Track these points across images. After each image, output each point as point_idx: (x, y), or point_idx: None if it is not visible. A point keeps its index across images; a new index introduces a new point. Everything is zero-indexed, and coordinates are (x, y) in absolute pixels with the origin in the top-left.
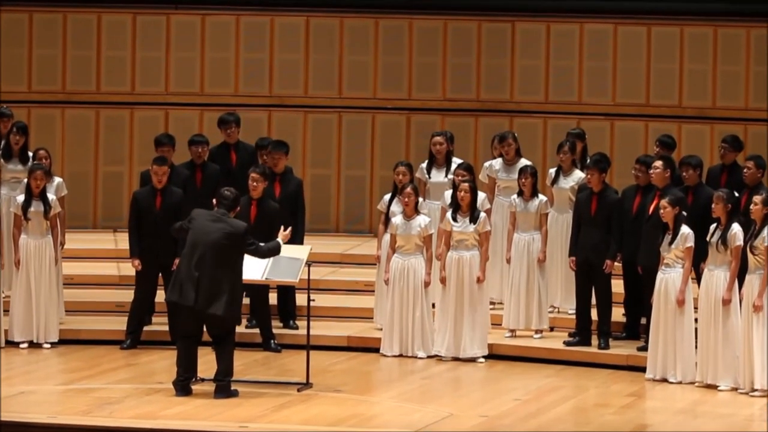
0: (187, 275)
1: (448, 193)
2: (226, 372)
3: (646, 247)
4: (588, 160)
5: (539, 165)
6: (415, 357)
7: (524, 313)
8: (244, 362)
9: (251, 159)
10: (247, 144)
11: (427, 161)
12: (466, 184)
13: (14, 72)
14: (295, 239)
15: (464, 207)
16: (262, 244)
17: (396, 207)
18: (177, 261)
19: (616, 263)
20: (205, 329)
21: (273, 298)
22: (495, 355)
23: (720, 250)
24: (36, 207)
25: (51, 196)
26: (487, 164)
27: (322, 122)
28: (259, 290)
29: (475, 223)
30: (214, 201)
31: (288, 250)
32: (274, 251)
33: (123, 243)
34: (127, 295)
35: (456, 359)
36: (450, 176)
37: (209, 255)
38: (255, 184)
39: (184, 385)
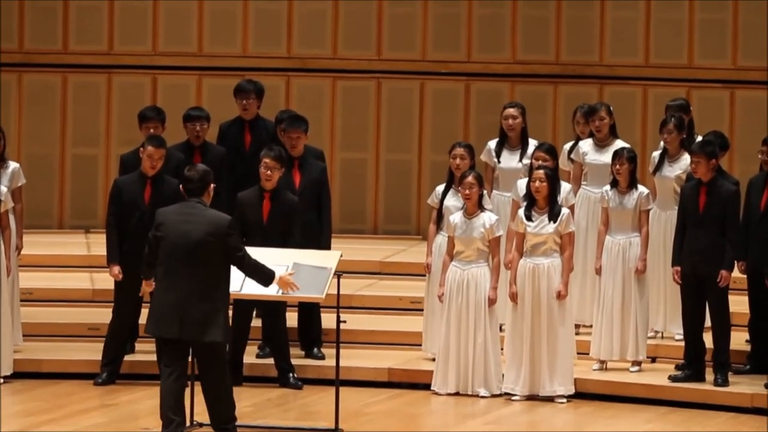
0: (165, 299)
1: (522, 183)
2: (228, 416)
3: None
4: (694, 139)
5: (638, 147)
6: (477, 396)
7: (618, 340)
8: (254, 402)
9: (272, 140)
10: (268, 121)
11: (497, 140)
12: (542, 171)
13: None
14: (321, 242)
15: (540, 201)
16: (251, 256)
17: (452, 201)
18: None
19: (735, 274)
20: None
21: (292, 318)
22: (580, 393)
23: None
24: None
25: (1, 187)
26: (567, 146)
27: (356, 91)
28: (274, 309)
29: (555, 222)
30: (181, 187)
31: (312, 257)
32: (265, 277)
33: (98, 247)
34: (103, 315)
35: (531, 398)
36: (525, 161)
37: (193, 264)
38: (269, 171)
39: None
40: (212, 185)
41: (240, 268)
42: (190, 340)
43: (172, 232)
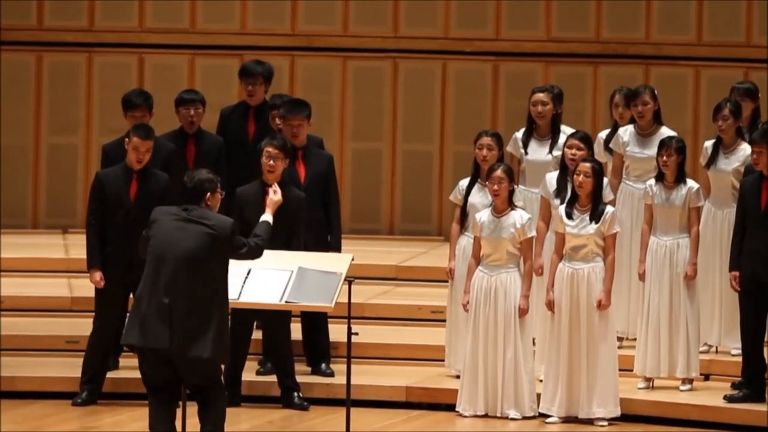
0: (152, 305)
1: (552, 177)
2: None
3: None
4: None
5: (689, 136)
6: (507, 418)
7: (665, 354)
8: (254, 424)
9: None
10: None
11: (524, 129)
12: (588, 165)
13: None
14: (329, 244)
15: (583, 198)
16: (254, 239)
17: (478, 198)
18: None
19: None
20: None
21: (297, 330)
22: (625, 415)
23: None
24: None
25: None
26: (603, 134)
27: (370, 72)
28: (276, 320)
29: (598, 222)
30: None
31: (319, 261)
32: (268, 232)
33: (78, 249)
34: (83, 327)
35: (568, 421)
36: (556, 152)
37: (183, 273)
38: (272, 162)
39: None
40: (210, 193)
41: (251, 257)
42: (176, 353)
43: (163, 236)
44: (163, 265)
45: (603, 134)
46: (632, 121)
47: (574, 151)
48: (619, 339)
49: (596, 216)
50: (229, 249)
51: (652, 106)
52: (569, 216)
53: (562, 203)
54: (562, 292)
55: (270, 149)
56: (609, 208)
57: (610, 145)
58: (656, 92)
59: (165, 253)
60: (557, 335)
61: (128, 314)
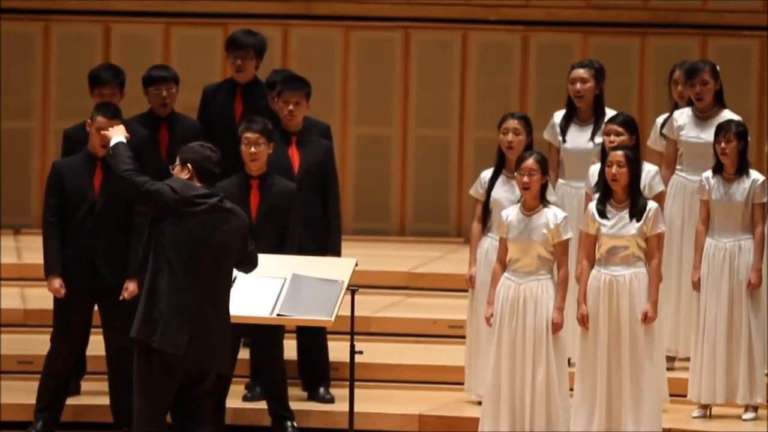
0: (177, 301)
1: (595, 169)
2: None
3: None
4: None
5: (753, 120)
6: None
7: (722, 377)
8: None
9: (271, 111)
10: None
11: (563, 112)
12: (621, 153)
13: None
14: (328, 246)
15: (619, 192)
16: None
17: (504, 192)
18: (130, 285)
19: None
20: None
21: (291, 348)
22: None
23: None
24: None
25: None
26: (661, 119)
27: (377, 45)
28: (267, 336)
29: (639, 220)
30: (191, 167)
31: (317, 266)
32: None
33: (32, 253)
34: (39, 344)
35: None
36: (598, 139)
37: (218, 271)
38: (253, 149)
39: None
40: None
41: (254, 261)
42: (200, 365)
43: (201, 225)
44: (197, 260)
45: (661, 119)
46: (691, 103)
47: (612, 137)
48: (671, 359)
49: (637, 213)
50: (246, 245)
51: (713, 86)
52: (603, 214)
53: None
54: (598, 302)
55: (249, 134)
56: (651, 204)
57: (663, 131)
58: (718, 69)
59: (201, 246)
60: (593, 354)
61: (141, 307)
